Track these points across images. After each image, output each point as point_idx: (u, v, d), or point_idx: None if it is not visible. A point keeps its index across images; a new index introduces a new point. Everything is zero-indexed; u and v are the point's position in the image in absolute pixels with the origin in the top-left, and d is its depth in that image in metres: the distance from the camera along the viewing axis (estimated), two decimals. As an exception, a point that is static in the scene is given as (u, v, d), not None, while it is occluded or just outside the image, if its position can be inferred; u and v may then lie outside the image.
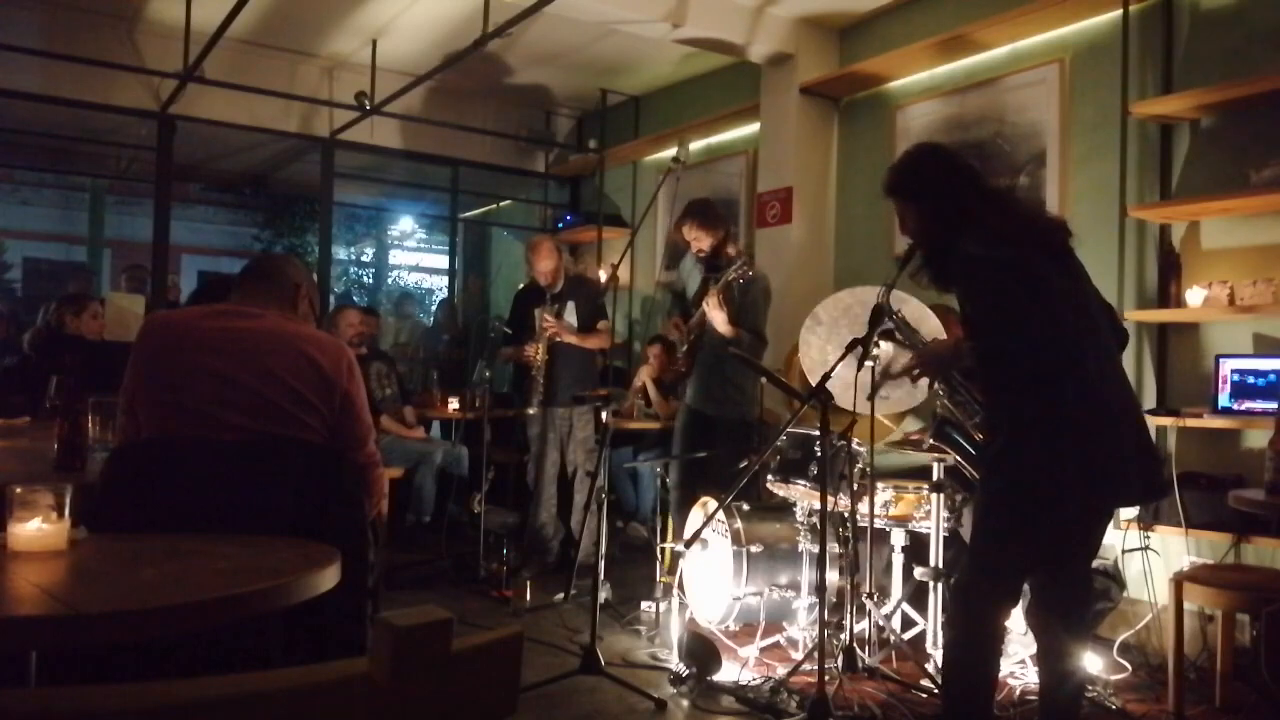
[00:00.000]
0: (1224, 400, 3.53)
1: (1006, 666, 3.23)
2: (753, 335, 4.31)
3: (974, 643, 2.40)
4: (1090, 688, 3.21)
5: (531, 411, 4.83)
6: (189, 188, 11.38)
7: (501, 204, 8.92)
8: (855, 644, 3.33)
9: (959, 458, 2.98)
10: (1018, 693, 3.18)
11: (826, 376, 3.01)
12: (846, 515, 3.49)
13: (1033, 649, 3.36)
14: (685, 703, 3.18)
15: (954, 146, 4.72)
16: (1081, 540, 2.48)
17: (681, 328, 4.56)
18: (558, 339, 4.79)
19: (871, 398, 3.14)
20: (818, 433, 3.13)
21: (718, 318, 4.17)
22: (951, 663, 2.46)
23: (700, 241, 4.42)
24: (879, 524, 3.43)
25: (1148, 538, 3.67)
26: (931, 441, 3.08)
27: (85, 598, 1.40)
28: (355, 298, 12.45)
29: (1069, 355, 2.29)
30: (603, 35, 5.83)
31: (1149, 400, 3.91)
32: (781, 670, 3.32)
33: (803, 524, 3.70)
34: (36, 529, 1.58)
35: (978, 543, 2.47)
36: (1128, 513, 3.77)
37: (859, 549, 3.47)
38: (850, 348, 2.92)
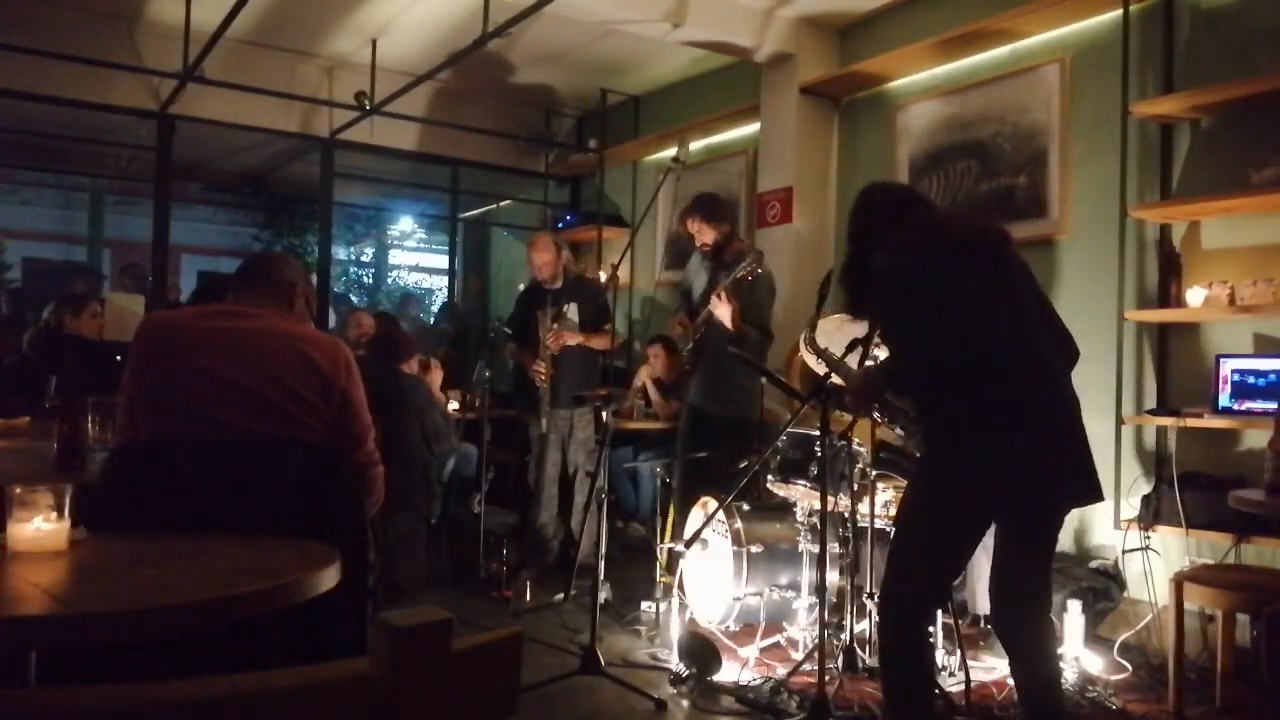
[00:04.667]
0: (1224, 400, 3.53)
1: (1006, 667, 3.22)
2: (759, 331, 4.32)
3: (900, 642, 2.43)
4: (1090, 688, 3.22)
5: (542, 426, 4.83)
6: (189, 188, 11.37)
7: (501, 204, 8.91)
8: (855, 644, 3.33)
9: (903, 479, 3.08)
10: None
11: (827, 376, 3.02)
12: (846, 515, 3.49)
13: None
14: (685, 703, 3.18)
15: (946, 145, 4.74)
16: (1018, 543, 2.49)
17: (686, 325, 4.56)
18: (562, 346, 4.79)
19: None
20: (818, 433, 3.13)
21: (724, 312, 4.18)
22: (884, 665, 2.51)
23: (703, 235, 4.43)
24: (879, 524, 3.43)
25: (1148, 538, 3.67)
26: (876, 472, 3.27)
27: (85, 598, 1.40)
28: (354, 298, 12.45)
29: (977, 359, 2.32)
30: (603, 35, 5.83)
31: (1149, 400, 3.91)
32: (782, 670, 3.32)
33: (803, 524, 3.70)
34: (36, 529, 1.58)
35: (893, 544, 2.55)
36: (1128, 513, 3.77)
37: (859, 549, 3.47)
38: (850, 348, 2.92)
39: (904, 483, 3.53)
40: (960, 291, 2.37)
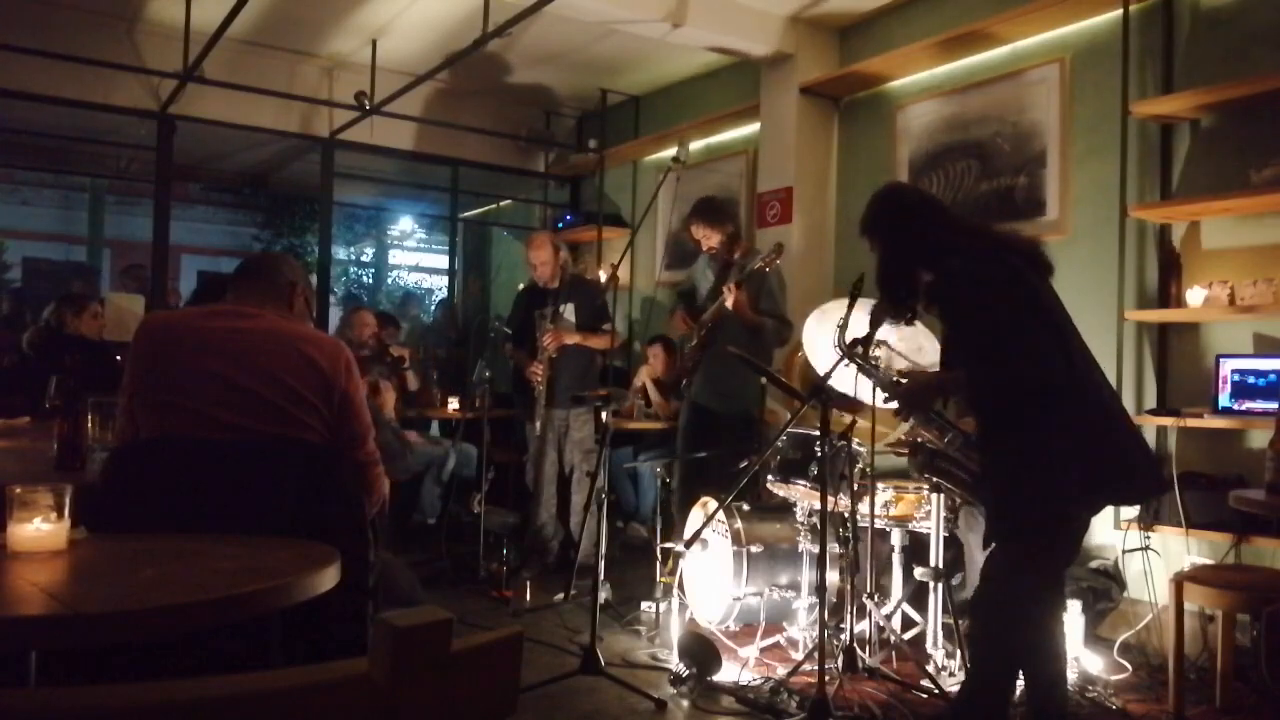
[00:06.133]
0: (1224, 400, 3.53)
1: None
2: (776, 321, 4.34)
3: (1034, 650, 2.41)
4: (1090, 688, 3.22)
5: (536, 425, 4.83)
6: (189, 188, 11.38)
7: (501, 204, 8.91)
8: (855, 644, 3.33)
9: (954, 488, 2.93)
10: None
11: (827, 376, 3.02)
12: (846, 515, 3.49)
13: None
14: (685, 703, 3.18)
15: (946, 145, 4.74)
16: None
17: (688, 322, 4.57)
18: (560, 347, 4.78)
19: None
20: (818, 433, 3.13)
21: (736, 300, 4.18)
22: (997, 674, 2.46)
23: (709, 239, 4.48)
24: (879, 524, 3.43)
25: (1148, 538, 3.67)
26: (924, 476, 3.02)
27: (85, 598, 1.40)
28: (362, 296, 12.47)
29: (1066, 365, 2.31)
30: (603, 35, 5.83)
31: (1149, 400, 3.91)
32: (781, 670, 3.32)
33: (803, 524, 3.70)
34: (36, 529, 1.58)
35: (1013, 577, 2.40)
36: (1128, 513, 3.77)
37: (859, 549, 3.47)
38: (851, 348, 2.91)
39: (899, 482, 3.53)
40: (1047, 301, 2.39)
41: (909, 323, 2.69)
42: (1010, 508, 2.39)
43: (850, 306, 2.93)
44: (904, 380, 2.80)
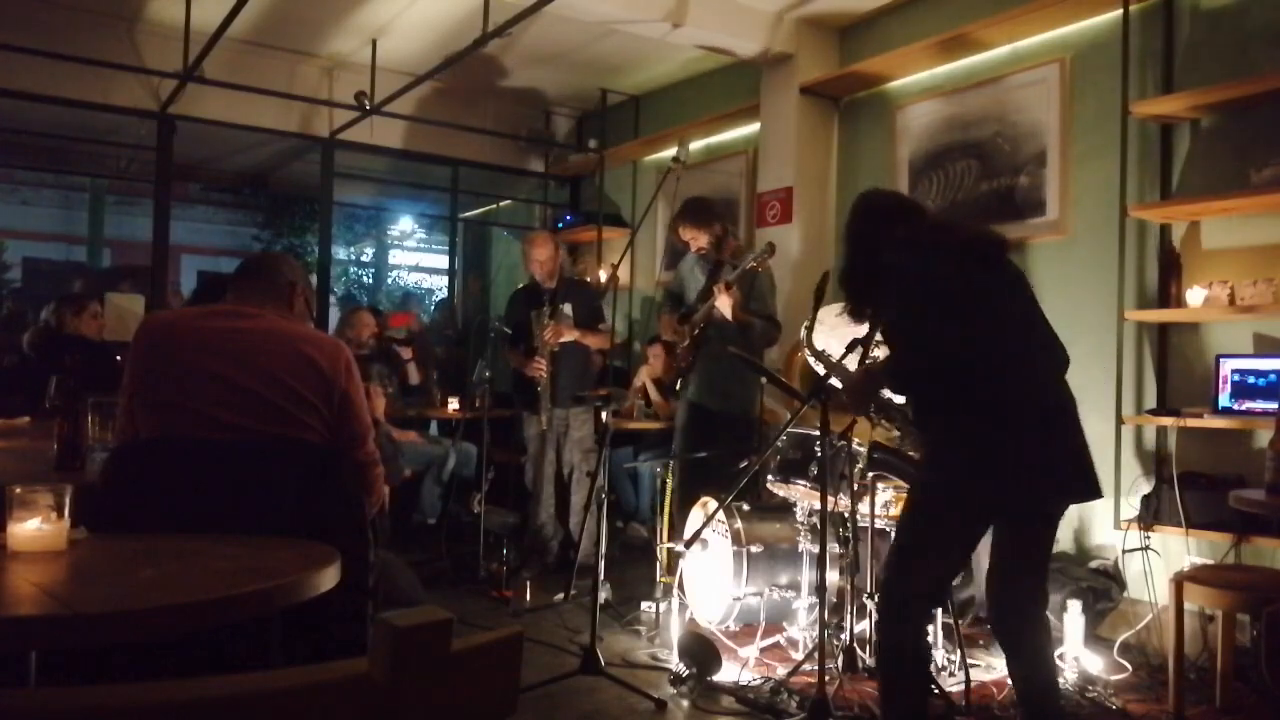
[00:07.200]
0: (1224, 400, 3.53)
1: (1006, 667, 3.22)
2: (766, 320, 4.33)
3: (899, 641, 2.42)
4: (1090, 688, 3.22)
5: (543, 423, 4.82)
6: (189, 188, 11.38)
7: (501, 204, 8.91)
8: (855, 644, 3.33)
9: (898, 478, 3.10)
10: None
11: (827, 376, 3.02)
12: (846, 515, 3.49)
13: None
14: (685, 703, 3.18)
15: (946, 145, 4.73)
16: (1016, 543, 2.50)
17: (673, 324, 4.56)
18: (559, 344, 4.78)
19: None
20: (818, 433, 3.13)
21: (725, 304, 4.18)
22: (881, 665, 2.52)
23: (698, 240, 4.47)
24: (879, 524, 3.43)
25: (1148, 538, 3.67)
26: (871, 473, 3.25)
27: (85, 598, 1.40)
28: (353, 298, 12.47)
29: (983, 358, 2.32)
30: (603, 35, 5.83)
31: (1149, 400, 3.91)
32: (781, 670, 3.32)
33: (803, 524, 3.70)
34: (36, 529, 1.58)
35: (895, 544, 2.54)
36: (1127, 513, 3.77)
37: (859, 549, 3.47)
38: (850, 348, 2.92)
39: (899, 483, 3.54)
40: (967, 291, 2.38)
41: (862, 321, 2.71)
42: (925, 470, 2.57)
43: (815, 305, 3.03)
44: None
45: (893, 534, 3.47)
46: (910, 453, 3.07)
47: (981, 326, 2.35)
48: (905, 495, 2.64)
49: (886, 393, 2.80)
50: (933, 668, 3.29)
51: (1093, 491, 2.41)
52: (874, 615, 3.41)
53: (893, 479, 3.47)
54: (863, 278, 2.59)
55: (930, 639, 3.47)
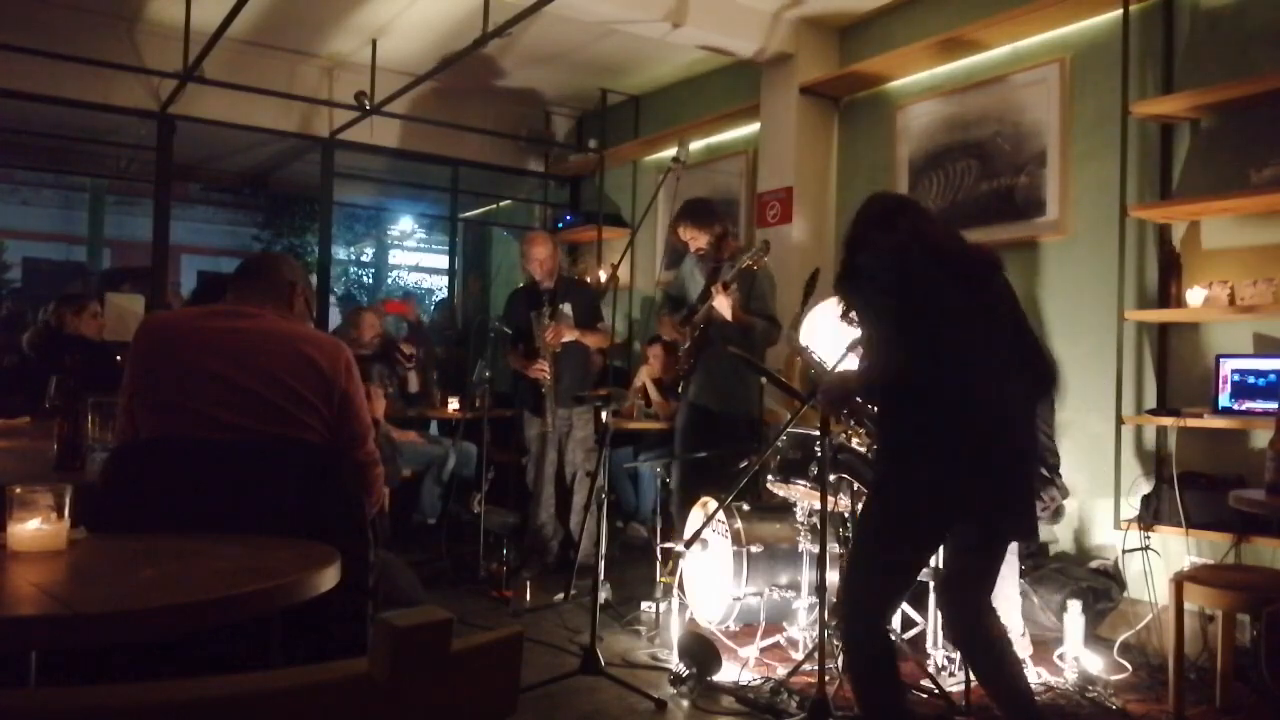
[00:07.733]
0: (1224, 400, 3.53)
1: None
2: (765, 320, 4.33)
3: (864, 653, 2.42)
4: (1090, 688, 3.22)
5: (548, 424, 4.81)
6: (189, 188, 11.39)
7: (501, 204, 8.92)
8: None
9: (857, 481, 3.18)
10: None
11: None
12: (846, 515, 3.49)
13: (1030, 650, 3.39)
14: (685, 703, 3.18)
15: (946, 145, 4.73)
16: (957, 558, 2.52)
17: (673, 325, 4.56)
18: (560, 344, 4.77)
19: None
20: (818, 433, 3.13)
21: (724, 304, 4.18)
22: (853, 679, 2.51)
23: (697, 240, 4.46)
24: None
25: (1148, 538, 3.67)
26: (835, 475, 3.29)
27: (85, 598, 1.40)
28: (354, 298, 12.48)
29: (939, 370, 2.32)
30: (603, 35, 5.83)
31: (1149, 400, 3.91)
32: (782, 670, 3.32)
33: (803, 524, 3.70)
34: (36, 529, 1.58)
35: (850, 555, 2.61)
36: (1127, 513, 3.77)
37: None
38: (850, 348, 2.92)
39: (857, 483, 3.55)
40: (934, 300, 2.37)
41: (850, 323, 2.72)
42: (876, 481, 2.61)
43: (804, 301, 3.02)
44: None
45: (849, 544, 3.52)
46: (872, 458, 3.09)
47: (930, 344, 2.33)
48: (863, 505, 2.67)
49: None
50: (932, 667, 3.30)
51: (1023, 532, 2.46)
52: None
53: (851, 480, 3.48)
54: (847, 280, 2.60)
55: (904, 637, 3.49)
